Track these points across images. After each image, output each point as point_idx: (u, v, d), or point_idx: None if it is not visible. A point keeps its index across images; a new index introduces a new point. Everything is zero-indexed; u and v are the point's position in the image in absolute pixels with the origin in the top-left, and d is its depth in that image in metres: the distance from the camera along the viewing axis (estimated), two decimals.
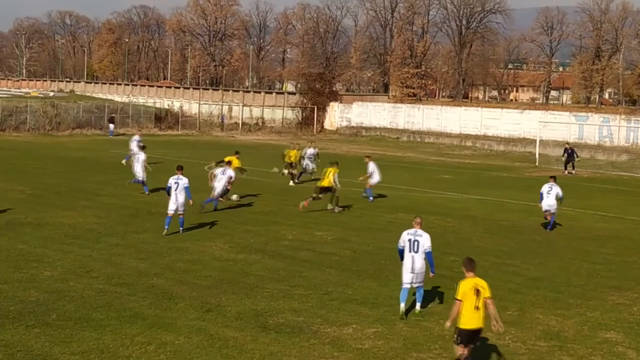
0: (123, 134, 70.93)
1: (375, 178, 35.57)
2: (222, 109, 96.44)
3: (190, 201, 26.12)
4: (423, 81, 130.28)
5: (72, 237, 24.70)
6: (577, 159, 53.80)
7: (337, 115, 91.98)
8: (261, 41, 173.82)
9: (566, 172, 52.88)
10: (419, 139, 79.68)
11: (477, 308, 13.51)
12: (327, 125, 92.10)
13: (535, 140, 63.28)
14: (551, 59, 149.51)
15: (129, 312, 16.76)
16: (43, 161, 44.73)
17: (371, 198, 35.22)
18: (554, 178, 31.02)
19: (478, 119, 79.27)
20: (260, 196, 35.54)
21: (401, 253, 17.53)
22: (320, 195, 31.58)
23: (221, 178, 30.85)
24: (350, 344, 15.26)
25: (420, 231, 17.54)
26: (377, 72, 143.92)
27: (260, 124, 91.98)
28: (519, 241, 26.98)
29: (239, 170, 35.50)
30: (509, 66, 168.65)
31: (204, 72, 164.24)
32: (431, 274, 17.64)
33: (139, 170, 35.12)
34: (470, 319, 13.52)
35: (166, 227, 25.49)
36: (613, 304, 18.98)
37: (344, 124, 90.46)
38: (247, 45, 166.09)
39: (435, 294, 19.15)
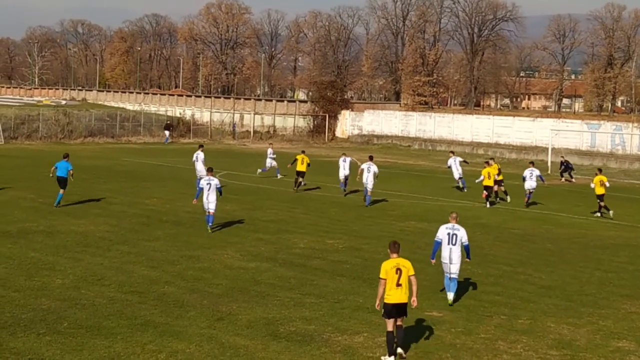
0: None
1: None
2: (233, 117, 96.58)
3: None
4: (435, 89, 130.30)
5: (83, 245, 24.75)
6: (574, 171, 54.15)
7: (348, 123, 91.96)
8: (273, 49, 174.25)
9: (562, 179, 53.10)
10: (430, 147, 79.56)
11: (398, 285, 14.91)
12: (339, 133, 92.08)
13: (547, 148, 63.11)
14: (563, 67, 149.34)
15: (140, 320, 16.76)
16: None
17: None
18: (532, 163, 40.23)
19: (490, 127, 79.09)
20: (270, 204, 35.54)
21: (437, 246, 19.35)
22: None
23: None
24: (362, 353, 15.22)
25: (457, 225, 19.45)
26: (388, 80, 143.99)
27: (272, 132, 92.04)
28: (531, 249, 26.90)
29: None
30: (521, 74, 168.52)
31: (215, 81, 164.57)
32: (467, 259, 19.87)
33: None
34: (392, 295, 14.91)
35: (209, 224, 27.93)
36: (625, 313, 18.89)
37: (356, 132, 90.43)
38: (259, 54, 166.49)
39: (447, 301, 19.09)
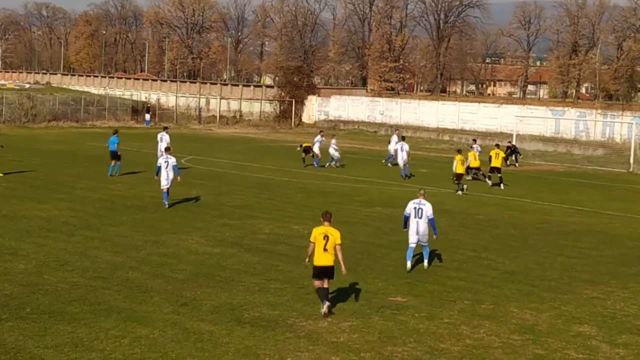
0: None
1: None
2: (199, 102, 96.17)
3: (179, 178, 30.20)
4: (401, 75, 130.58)
5: (46, 230, 24.57)
6: (520, 157, 54.60)
7: (315, 109, 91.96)
8: (239, 34, 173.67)
9: (508, 163, 53.45)
10: (476, 139, 79.66)
11: (325, 249, 16.70)
12: (305, 118, 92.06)
13: (512, 135, 63.49)
14: (528, 54, 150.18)
15: (104, 305, 16.69)
16: (18, 154, 44.44)
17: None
18: (475, 140, 49.26)
19: (455, 113, 79.49)
20: (236, 190, 35.48)
21: (406, 219, 21.22)
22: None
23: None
24: (326, 338, 15.26)
25: (424, 201, 21.24)
26: (355, 65, 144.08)
27: (238, 117, 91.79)
28: (495, 235, 27.09)
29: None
30: (487, 60, 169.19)
31: (181, 65, 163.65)
32: (434, 236, 21.41)
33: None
34: (319, 258, 16.72)
35: (165, 201, 29.57)
36: (587, 298, 19.08)
37: (322, 117, 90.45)
38: (225, 38, 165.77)
39: (411, 286, 19.21)
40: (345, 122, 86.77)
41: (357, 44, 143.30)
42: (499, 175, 40.61)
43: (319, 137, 47.83)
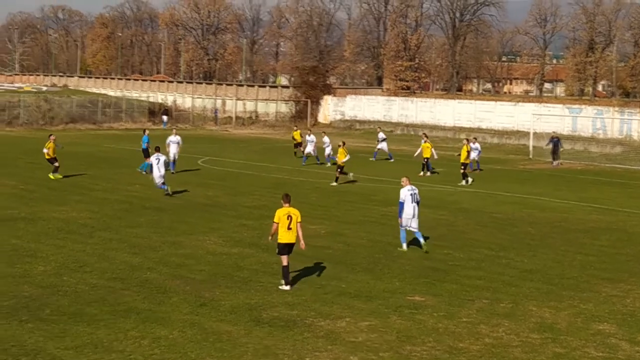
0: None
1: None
2: (215, 103, 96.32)
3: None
4: (417, 74, 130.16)
5: (65, 231, 24.68)
6: (561, 149, 54.11)
7: (330, 109, 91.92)
8: (254, 35, 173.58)
9: (555, 163, 53.04)
10: (412, 132, 79.52)
11: (289, 228, 18.55)
12: (321, 118, 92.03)
13: (528, 133, 63.30)
14: (545, 52, 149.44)
15: (123, 306, 16.75)
16: (36, 156, 44.62)
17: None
18: (475, 138, 49.12)
19: (472, 112, 79.27)
20: (253, 190, 35.53)
21: (402, 206, 23.10)
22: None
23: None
24: (344, 337, 15.27)
25: (413, 186, 23.66)
26: (370, 65, 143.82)
27: (254, 117, 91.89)
28: (512, 233, 27.01)
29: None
30: (503, 59, 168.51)
31: (197, 66, 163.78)
32: None
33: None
34: (283, 236, 18.55)
35: (166, 187, 32.77)
36: (606, 296, 19.01)
37: (338, 117, 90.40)
38: (241, 39, 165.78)
39: (429, 285, 19.19)
40: (361, 122, 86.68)
41: (372, 44, 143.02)
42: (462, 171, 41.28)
43: (311, 137, 48.76)
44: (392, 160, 52.07)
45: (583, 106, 77.46)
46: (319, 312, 16.83)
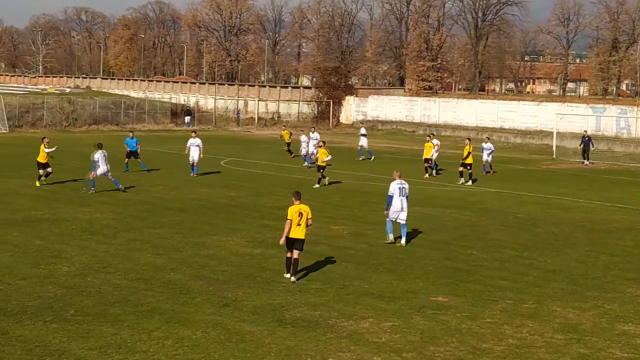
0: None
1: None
2: (237, 104, 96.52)
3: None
4: (439, 74, 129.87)
5: (89, 232, 24.80)
6: (592, 149, 53.86)
7: (353, 109, 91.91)
8: (276, 35, 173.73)
9: (586, 162, 52.78)
10: (435, 132, 79.19)
11: (298, 224, 19.34)
12: (343, 119, 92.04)
13: (552, 133, 63.03)
14: (568, 51, 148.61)
15: (146, 307, 16.81)
16: (59, 157, 44.85)
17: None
18: (488, 138, 49.00)
19: (495, 112, 79.02)
20: (275, 191, 35.56)
21: (390, 199, 23.99)
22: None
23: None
24: (367, 338, 15.25)
25: (403, 181, 24.25)
26: (392, 65, 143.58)
27: (276, 118, 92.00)
28: (536, 234, 26.89)
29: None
30: (526, 58, 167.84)
31: (219, 67, 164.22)
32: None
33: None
34: (293, 231, 19.27)
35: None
36: (631, 296, 18.88)
37: (360, 117, 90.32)
38: (263, 40, 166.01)
39: (452, 285, 19.13)
40: (383, 122, 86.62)
41: (394, 44, 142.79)
42: (427, 166, 42.17)
43: (315, 134, 48.60)
44: (372, 159, 51.64)
45: (607, 105, 77.00)
46: (342, 312, 16.82)
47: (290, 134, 53.33)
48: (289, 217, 19.35)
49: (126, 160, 41.25)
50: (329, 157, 38.31)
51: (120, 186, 33.61)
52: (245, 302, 17.35)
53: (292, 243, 19.36)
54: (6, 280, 18.70)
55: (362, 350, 14.58)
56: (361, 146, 53.37)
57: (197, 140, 40.10)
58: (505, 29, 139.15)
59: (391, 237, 24.15)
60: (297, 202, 19.63)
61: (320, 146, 39.09)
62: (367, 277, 19.90)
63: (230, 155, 51.09)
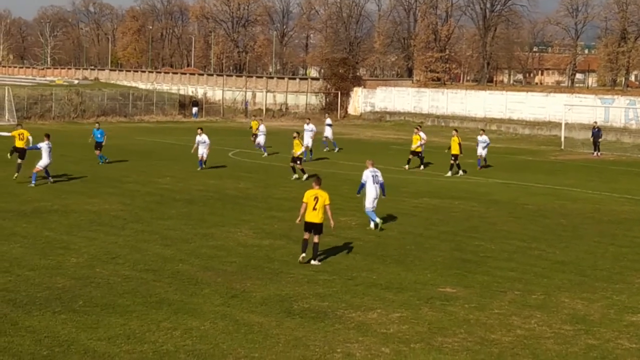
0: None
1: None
2: (245, 96, 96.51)
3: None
4: (447, 65, 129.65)
5: (97, 224, 24.85)
6: (600, 139, 53.73)
7: (360, 101, 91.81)
8: (284, 27, 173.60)
9: (597, 153, 52.69)
10: (443, 124, 79.31)
11: (314, 209, 19.98)
12: (351, 110, 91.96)
13: (560, 124, 62.89)
14: (576, 42, 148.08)
15: (155, 298, 16.85)
16: (68, 149, 44.96)
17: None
18: (483, 130, 45.88)
19: (503, 103, 78.84)
20: (283, 182, 35.57)
21: (362, 186, 24.99)
22: None
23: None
24: (375, 329, 15.26)
25: (376, 169, 25.09)
26: (400, 56, 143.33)
27: (284, 109, 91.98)
28: (545, 225, 26.85)
29: None
30: (534, 49, 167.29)
31: (227, 59, 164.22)
32: (383, 196, 25.41)
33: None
34: (309, 215, 20.04)
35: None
36: None
37: (368, 109, 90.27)
38: (271, 31, 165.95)
39: (460, 277, 19.13)
40: (392, 114, 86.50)
41: (402, 35, 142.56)
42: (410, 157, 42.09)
43: (310, 125, 47.13)
44: (336, 150, 50.94)
45: (615, 96, 76.77)
46: (350, 303, 16.83)
47: (259, 123, 51.56)
48: (304, 200, 20.15)
49: (97, 152, 40.29)
50: (302, 150, 37.69)
51: (50, 179, 33.12)
52: (253, 293, 17.37)
53: (310, 227, 20.13)
54: (15, 271, 18.76)
55: (370, 341, 14.59)
56: (326, 137, 52.16)
57: (204, 137, 39.33)
58: (513, 19, 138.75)
59: (378, 220, 24.85)
60: (317, 187, 20.34)
61: (294, 137, 37.85)
62: (375, 268, 19.91)
63: (238, 146, 51.11)
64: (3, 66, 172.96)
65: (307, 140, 45.12)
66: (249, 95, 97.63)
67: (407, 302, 17.00)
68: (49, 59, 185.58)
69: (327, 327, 15.28)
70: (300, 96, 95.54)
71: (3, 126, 59.10)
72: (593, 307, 17.12)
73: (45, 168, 33.02)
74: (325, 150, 51.12)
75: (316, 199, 20.04)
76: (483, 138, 43.42)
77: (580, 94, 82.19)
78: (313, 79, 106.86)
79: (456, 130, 41.68)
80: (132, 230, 23.98)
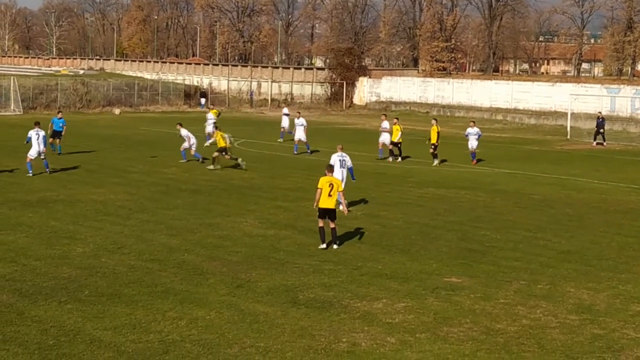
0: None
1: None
2: (251, 85, 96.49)
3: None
4: (453, 55, 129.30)
5: (103, 213, 24.88)
6: (603, 130, 53.55)
7: (366, 90, 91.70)
8: (289, 17, 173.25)
9: (594, 143, 52.59)
10: (449, 113, 79.23)
11: (329, 195, 20.43)
12: (357, 100, 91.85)
13: (566, 113, 62.77)
14: (582, 31, 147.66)
15: (161, 287, 16.87)
16: (73, 139, 44.97)
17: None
18: (473, 122, 43.58)
19: (509, 93, 78.70)
20: (288, 172, 35.58)
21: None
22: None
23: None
24: (381, 319, 15.27)
25: (344, 153, 25.78)
26: (406, 46, 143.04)
27: (289, 99, 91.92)
28: (550, 215, 26.81)
29: None
30: (540, 39, 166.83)
31: (232, 49, 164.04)
32: (353, 180, 26.42)
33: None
34: (324, 201, 20.47)
35: (30, 170, 32.63)
36: None
37: (373, 99, 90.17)
38: (276, 21, 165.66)
39: (466, 266, 19.12)
40: (397, 103, 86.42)
41: (408, 25, 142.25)
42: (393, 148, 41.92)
43: (301, 119, 45.07)
44: (281, 140, 49.79)
45: (621, 86, 76.58)
46: (356, 293, 16.84)
47: (219, 114, 50.02)
48: (319, 186, 20.52)
49: (50, 140, 38.51)
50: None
51: (48, 169, 32.74)
52: (259, 283, 17.39)
53: (324, 213, 20.55)
54: (21, 261, 18.80)
55: (376, 330, 14.60)
56: (283, 127, 50.94)
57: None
58: (519, 9, 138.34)
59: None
60: (330, 174, 20.92)
61: (216, 128, 37.05)
62: (381, 258, 19.91)
63: (244, 136, 51.05)
64: (8, 56, 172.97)
65: (300, 134, 44.09)
66: (254, 85, 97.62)
67: (413, 292, 17.01)
68: (54, 49, 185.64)
69: (332, 316, 15.29)
70: (306, 86, 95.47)
71: (9, 116, 59.13)
72: (599, 296, 17.11)
73: (42, 157, 32.75)
74: (280, 140, 49.97)
75: (331, 185, 20.45)
76: (474, 130, 41.44)
77: (587, 84, 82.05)
78: (318, 68, 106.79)
79: (435, 120, 41.53)
80: (137, 220, 24.01)
